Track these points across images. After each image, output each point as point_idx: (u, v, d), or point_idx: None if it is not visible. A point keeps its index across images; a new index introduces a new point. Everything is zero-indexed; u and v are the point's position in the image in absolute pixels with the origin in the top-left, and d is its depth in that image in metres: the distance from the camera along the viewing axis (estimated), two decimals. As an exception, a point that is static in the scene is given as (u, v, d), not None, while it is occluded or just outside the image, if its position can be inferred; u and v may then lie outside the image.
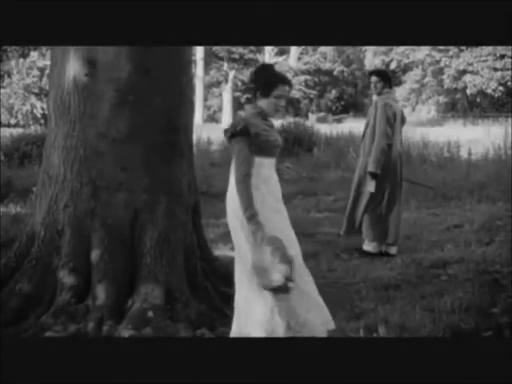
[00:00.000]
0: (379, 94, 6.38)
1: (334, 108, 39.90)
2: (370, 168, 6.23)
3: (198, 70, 35.14)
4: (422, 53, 35.32)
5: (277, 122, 19.25)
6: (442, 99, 36.48)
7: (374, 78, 6.42)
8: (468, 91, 34.49)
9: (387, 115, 6.24)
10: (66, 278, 4.23)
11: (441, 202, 9.11)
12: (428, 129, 20.73)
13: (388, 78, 6.52)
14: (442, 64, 34.71)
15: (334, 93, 40.12)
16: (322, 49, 39.72)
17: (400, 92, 37.75)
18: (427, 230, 7.18)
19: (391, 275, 5.46)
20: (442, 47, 33.94)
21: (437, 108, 36.70)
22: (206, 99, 38.51)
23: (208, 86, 38.68)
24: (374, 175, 6.24)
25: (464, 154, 12.47)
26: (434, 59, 34.98)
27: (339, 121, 33.25)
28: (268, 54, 36.86)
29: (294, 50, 39.37)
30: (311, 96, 38.98)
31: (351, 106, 40.48)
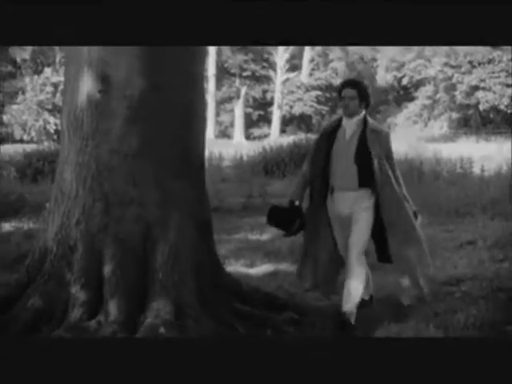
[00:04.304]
0: (352, 114, 4.60)
1: (345, 124, 39.89)
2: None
3: (210, 85, 35.33)
4: (434, 69, 35.31)
5: (289, 138, 19.26)
6: (454, 115, 36.39)
7: (348, 92, 4.58)
8: (481, 107, 34.41)
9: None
10: (78, 294, 4.24)
11: (454, 219, 9.05)
12: (440, 145, 20.65)
13: (366, 92, 4.73)
14: (454, 80, 34.66)
15: (345, 109, 40.15)
16: (334, 65, 39.83)
17: (412, 108, 37.73)
18: (440, 246, 7.13)
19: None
20: (454, 63, 33.92)
21: (449, 124, 36.58)
22: (217, 115, 38.67)
23: (220, 102, 38.85)
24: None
25: (477, 170, 12.41)
26: (446, 75, 34.95)
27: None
28: (280, 70, 36.99)
29: (306, 66, 39.49)
30: (323, 112, 39.04)
31: (363, 121, 40.49)
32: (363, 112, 4.66)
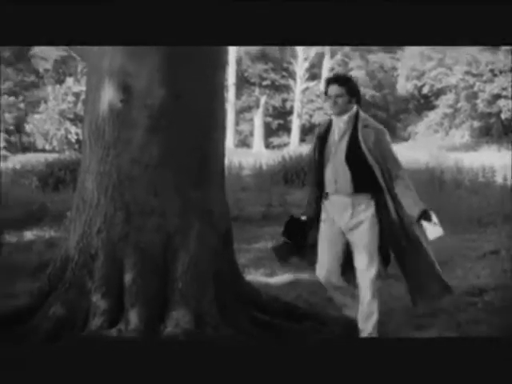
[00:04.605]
0: (341, 112, 4.21)
1: (365, 133, 39.81)
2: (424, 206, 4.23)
3: (230, 94, 35.42)
4: (455, 77, 35.10)
5: (308, 147, 19.19)
6: (475, 124, 36.10)
7: (334, 90, 4.20)
8: (502, 116, 34.10)
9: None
10: (99, 302, 4.25)
11: (476, 228, 8.96)
12: (462, 154, 20.52)
13: (356, 88, 4.31)
14: (475, 88, 34.42)
15: (365, 117, 40.10)
16: (354, 73, 39.76)
17: (433, 117, 37.49)
18: (462, 256, 7.06)
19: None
20: (475, 72, 33.69)
21: (471, 133, 36.30)
22: (237, 124, 38.76)
23: (239, 111, 38.95)
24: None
25: (499, 179, 12.29)
26: (467, 84, 34.72)
27: (371, 145, 33.16)
28: (299, 80, 37.01)
29: (326, 75, 39.47)
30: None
31: (383, 130, 40.38)
32: (354, 108, 4.23)
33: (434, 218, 4.19)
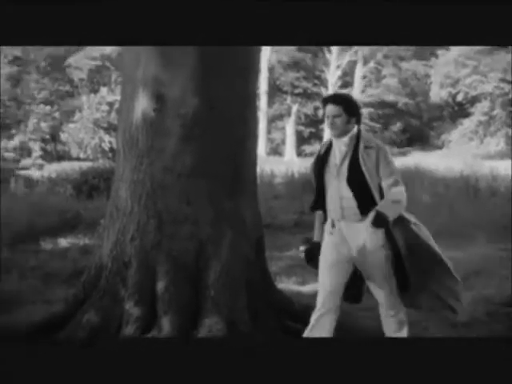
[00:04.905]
0: (340, 134, 3.89)
1: (398, 141, 39.51)
2: None
3: (262, 103, 35.49)
4: (490, 85, 34.67)
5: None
6: (511, 131, 35.58)
7: (331, 110, 3.89)
8: (538, 123, 33.58)
9: None
10: (132, 310, 4.29)
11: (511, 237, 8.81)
12: (497, 162, 20.22)
13: (355, 107, 3.98)
14: (511, 95, 33.96)
15: (398, 125, 39.76)
16: (386, 81, 39.53)
17: (467, 124, 37.02)
18: (497, 265, 6.95)
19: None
20: (510, 78, 33.24)
21: (506, 140, 35.77)
22: (269, 132, 38.79)
23: (271, 120, 38.99)
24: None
25: (535, 187, 12.09)
26: (503, 91, 34.27)
27: (404, 154, 32.85)
28: (331, 87, 36.93)
29: (358, 83, 39.33)
30: (375, 129, 38.76)
31: (416, 138, 39.96)
32: (355, 128, 3.93)
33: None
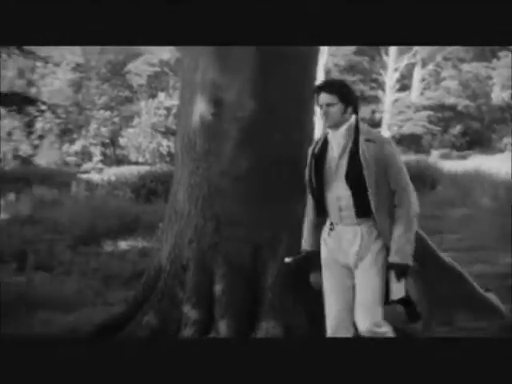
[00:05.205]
0: (335, 124, 3.50)
1: (458, 144, 38.75)
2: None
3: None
4: (554, 85, 33.66)
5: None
6: None
7: (324, 98, 3.50)
8: None
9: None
10: (190, 313, 4.32)
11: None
12: None
13: (351, 94, 3.59)
14: None
15: (458, 128, 39.00)
16: (446, 83, 38.83)
17: (530, 126, 36.02)
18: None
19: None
20: None
21: None
22: (325, 136, 38.60)
23: (328, 123, 38.78)
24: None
25: None
26: None
27: (464, 157, 32.20)
28: (389, 90, 36.52)
29: (416, 86, 38.77)
30: (434, 132, 38.09)
31: (477, 141, 39.12)
32: (353, 118, 3.52)
33: (403, 280, 3.39)
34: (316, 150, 3.59)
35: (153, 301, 4.50)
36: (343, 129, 3.48)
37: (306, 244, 3.72)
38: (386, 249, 3.39)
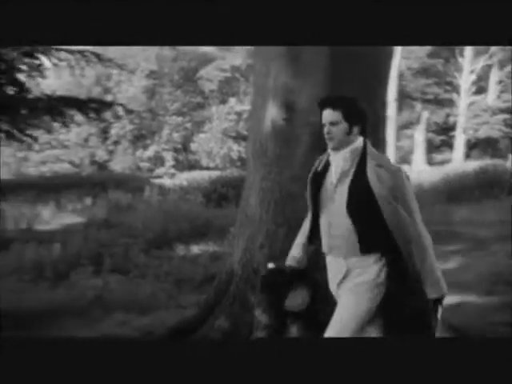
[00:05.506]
0: (338, 146, 3.16)
1: (536, 148, 37.41)
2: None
3: (391, 110, 34.91)
4: None
5: (474, 164, 18.37)
6: None
7: (328, 115, 3.18)
8: None
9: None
10: (261, 317, 4.33)
11: None
12: None
13: (358, 113, 3.23)
14: None
15: (536, 131, 37.65)
16: (523, 85, 37.58)
17: None
18: None
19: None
20: None
21: None
22: (398, 140, 38.07)
23: (400, 127, 38.25)
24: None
25: None
26: None
27: (543, 161, 31.06)
28: (464, 93, 35.65)
29: (493, 88, 37.69)
30: (511, 136, 36.91)
31: (557, 145, 37.68)
32: (359, 140, 3.17)
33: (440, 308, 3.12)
34: (319, 170, 3.27)
35: (224, 304, 4.53)
36: (346, 151, 3.14)
37: (291, 257, 3.42)
38: (384, 282, 3.06)
